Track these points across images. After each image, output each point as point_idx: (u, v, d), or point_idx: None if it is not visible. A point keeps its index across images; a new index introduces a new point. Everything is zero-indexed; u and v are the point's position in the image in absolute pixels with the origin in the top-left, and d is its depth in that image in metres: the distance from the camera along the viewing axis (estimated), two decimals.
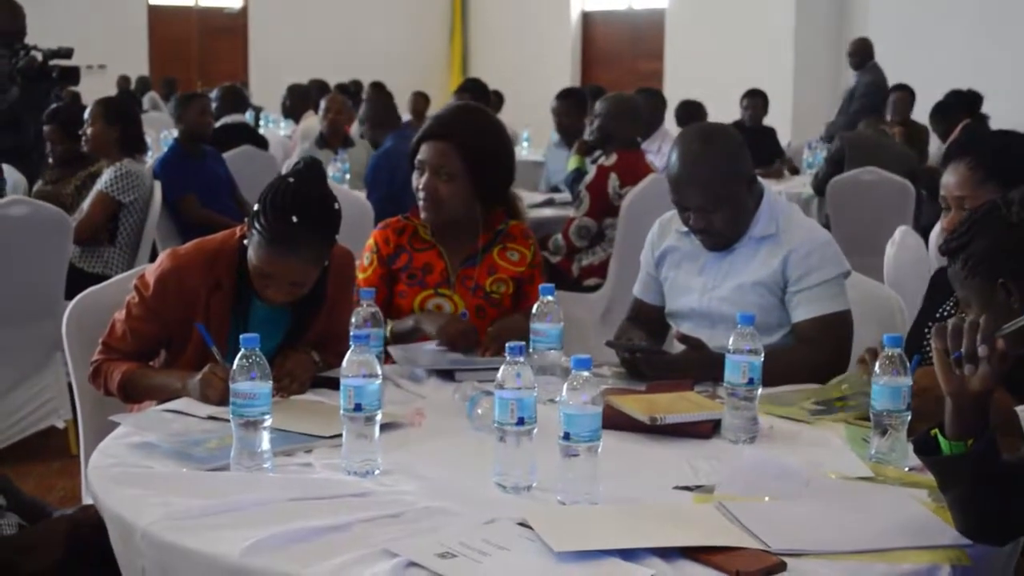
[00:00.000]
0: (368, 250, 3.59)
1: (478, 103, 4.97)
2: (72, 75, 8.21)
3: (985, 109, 9.81)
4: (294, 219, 2.91)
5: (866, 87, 11.45)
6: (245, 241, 3.03)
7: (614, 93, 7.47)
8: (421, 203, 3.53)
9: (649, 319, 3.58)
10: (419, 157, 3.53)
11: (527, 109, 14.42)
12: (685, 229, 3.48)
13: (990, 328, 2.02)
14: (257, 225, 2.95)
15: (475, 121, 3.61)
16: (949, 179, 3.07)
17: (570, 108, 8.40)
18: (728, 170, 3.34)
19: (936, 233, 4.16)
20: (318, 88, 12.41)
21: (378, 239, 3.60)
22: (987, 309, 2.25)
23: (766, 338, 3.15)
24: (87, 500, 2.59)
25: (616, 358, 3.27)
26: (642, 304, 3.65)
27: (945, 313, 3.03)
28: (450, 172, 3.49)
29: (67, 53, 7.88)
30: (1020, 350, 2.10)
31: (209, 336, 2.91)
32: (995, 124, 9.40)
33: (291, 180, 3.01)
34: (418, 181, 3.52)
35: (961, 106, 9.60)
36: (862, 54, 11.75)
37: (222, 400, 2.77)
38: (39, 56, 7.74)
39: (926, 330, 3.03)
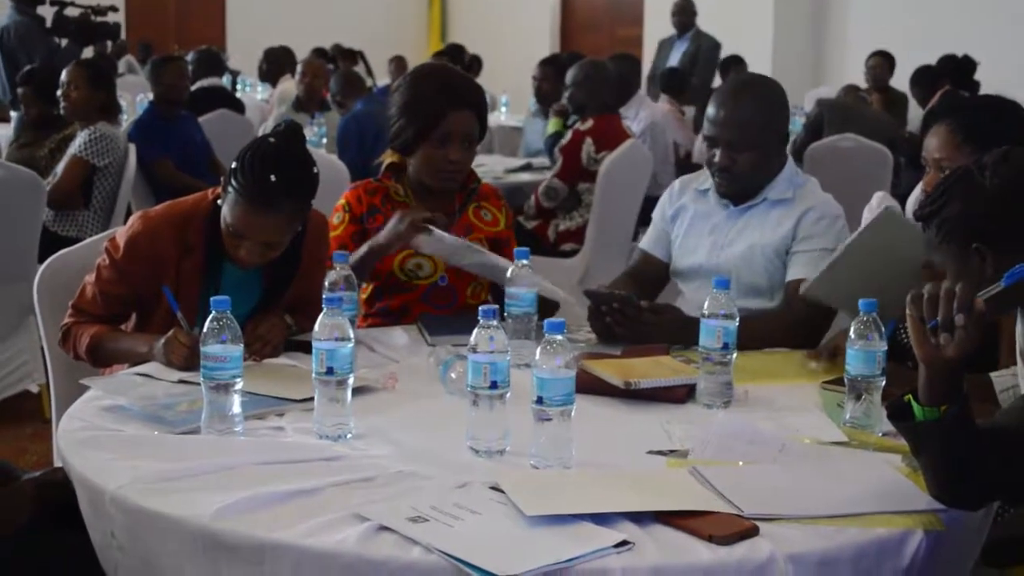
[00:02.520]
0: (339, 209, 3.55)
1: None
2: (114, 31, 8.21)
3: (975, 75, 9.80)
4: (273, 178, 2.89)
5: (708, 51, 11.35)
6: (219, 202, 3.01)
7: (586, 59, 7.48)
8: (447, 176, 3.49)
9: (650, 274, 3.60)
10: (445, 130, 3.43)
11: (506, 74, 14.35)
12: (704, 188, 3.53)
13: (967, 296, 2.01)
14: (234, 183, 2.92)
15: (477, 84, 3.63)
16: (930, 141, 3.09)
17: (550, 74, 8.44)
18: (767, 117, 3.42)
19: (913, 199, 4.16)
20: (291, 53, 12.31)
21: (350, 198, 3.56)
22: (961, 274, 2.24)
23: (770, 301, 3.18)
24: (58, 464, 2.57)
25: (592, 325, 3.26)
26: (648, 257, 3.65)
27: None
28: (475, 138, 3.50)
29: (104, 10, 7.91)
30: (995, 316, 2.10)
31: (175, 300, 2.89)
32: (985, 89, 9.38)
33: (272, 140, 3.00)
34: (442, 153, 3.44)
35: (952, 72, 9.57)
36: (687, 13, 11.55)
37: (185, 365, 2.78)
38: (77, 13, 7.75)
39: None
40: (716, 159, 3.41)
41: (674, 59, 11.41)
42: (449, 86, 3.49)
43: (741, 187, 3.43)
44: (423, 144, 3.45)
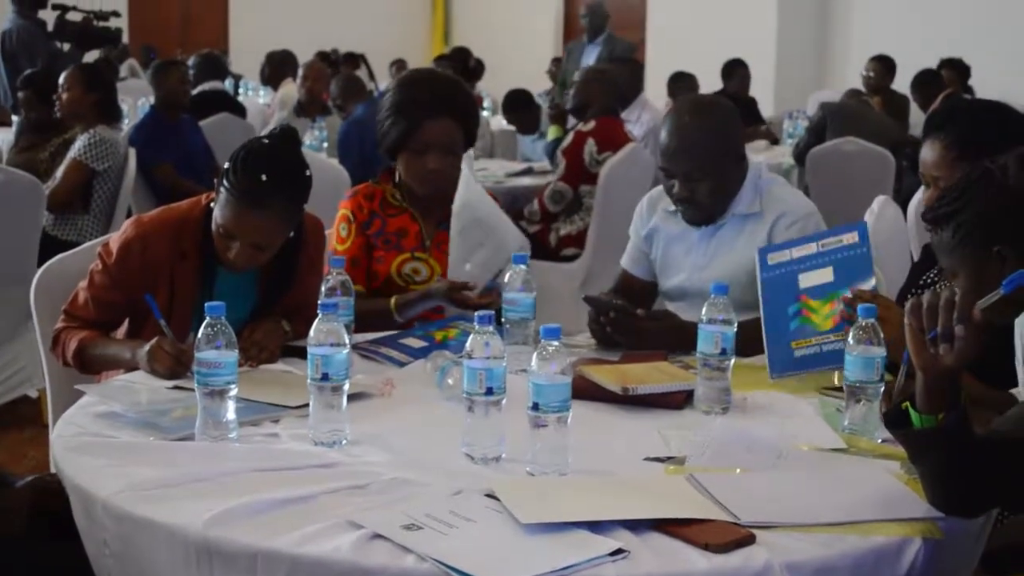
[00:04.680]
0: (343, 220, 3.54)
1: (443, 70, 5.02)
2: (115, 37, 8.23)
3: (973, 78, 9.73)
4: (263, 177, 2.88)
5: (623, 55, 11.18)
6: (212, 204, 2.99)
7: (592, 66, 7.55)
8: (427, 184, 3.50)
9: (636, 292, 3.54)
10: (423, 139, 3.44)
11: (509, 78, 14.32)
12: (672, 209, 3.46)
13: (967, 306, 1.99)
14: (226, 182, 2.91)
15: (465, 91, 3.63)
16: (926, 156, 3.00)
17: (521, 117, 8.93)
18: (719, 143, 3.32)
19: (915, 204, 4.14)
20: (293, 56, 12.29)
21: (351, 207, 3.55)
22: (979, 278, 2.17)
23: (755, 313, 3.15)
24: (54, 470, 2.56)
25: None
26: (629, 276, 3.61)
27: (928, 281, 3.01)
28: (456, 147, 3.50)
29: (106, 16, 7.91)
30: (995, 324, 2.07)
31: (158, 309, 2.86)
32: (983, 93, 9.35)
33: (265, 141, 3.01)
34: (421, 161, 3.46)
35: (949, 76, 9.53)
36: (598, 16, 11.30)
37: (170, 374, 2.76)
38: (79, 18, 7.77)
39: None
40: (675, 190, 3.35)
41: (586, 63, 11.16)
42: (428, 95, 3.49)
43: (706, 213, 3.37)
44: (404, 151, 3.48)
